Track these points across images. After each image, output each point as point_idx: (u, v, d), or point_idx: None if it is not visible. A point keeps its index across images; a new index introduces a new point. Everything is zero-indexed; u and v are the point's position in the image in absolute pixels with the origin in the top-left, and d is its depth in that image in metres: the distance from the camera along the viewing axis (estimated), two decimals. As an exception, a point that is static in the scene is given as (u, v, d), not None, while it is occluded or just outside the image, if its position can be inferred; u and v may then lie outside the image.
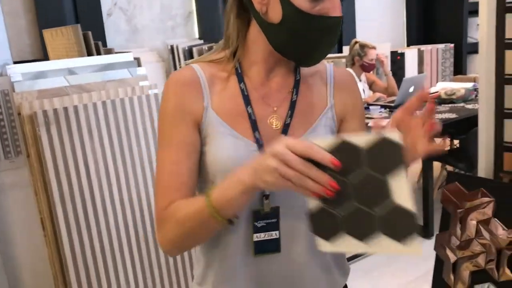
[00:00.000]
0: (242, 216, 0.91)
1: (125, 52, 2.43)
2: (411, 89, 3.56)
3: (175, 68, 4.45)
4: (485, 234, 0.96)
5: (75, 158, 1.94)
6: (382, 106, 3.58)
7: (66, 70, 2.10)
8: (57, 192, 1.91)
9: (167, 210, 0.89)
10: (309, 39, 0.89)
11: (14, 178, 2.24)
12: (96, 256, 1.99)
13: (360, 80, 3.95)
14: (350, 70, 3.31)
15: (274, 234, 0.94)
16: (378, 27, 5.35)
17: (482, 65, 1.19)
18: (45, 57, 3.14)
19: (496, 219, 0.95)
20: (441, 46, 5.14)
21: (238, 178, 0.79)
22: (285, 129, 0.95)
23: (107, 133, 2.00)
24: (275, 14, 0.88)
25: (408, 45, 5.56)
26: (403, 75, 4.67)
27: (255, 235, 0.93)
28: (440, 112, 3.38)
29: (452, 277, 1.02)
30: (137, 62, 2.38)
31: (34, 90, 1.97)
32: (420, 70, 4.92)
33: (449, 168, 3.72)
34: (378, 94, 3.98)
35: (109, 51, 2.38)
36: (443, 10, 5.50)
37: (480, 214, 0.97)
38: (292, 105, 0.96)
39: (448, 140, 4.37)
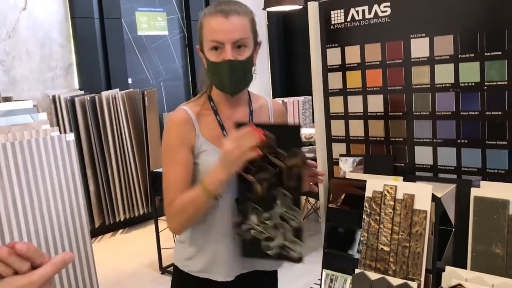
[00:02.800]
0: (227, 205, 1.35)
1: (24, 100, 2.67)
2: (277, 133, 4.16)
3: (57, 118, 4.56)
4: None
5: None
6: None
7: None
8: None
9: (174, 203, 1.32)
10: (220, 78, 1.34)
11: None
12: None
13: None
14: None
15: None
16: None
17: (316, 108, 1.70)
18: None
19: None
20: (301, 98, 5.88)
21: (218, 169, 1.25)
22: None
23: (15, 171, 2.22)
24: (206, 65, 1.36)
25: (273, 98, 6.31)
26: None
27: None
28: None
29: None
30: (37, 108, 2.63)
31: None
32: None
33: (311, 200, 4.39)
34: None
35: (8, 99, 2.58)
36: (301, 69, 6.35)
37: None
38: None
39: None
